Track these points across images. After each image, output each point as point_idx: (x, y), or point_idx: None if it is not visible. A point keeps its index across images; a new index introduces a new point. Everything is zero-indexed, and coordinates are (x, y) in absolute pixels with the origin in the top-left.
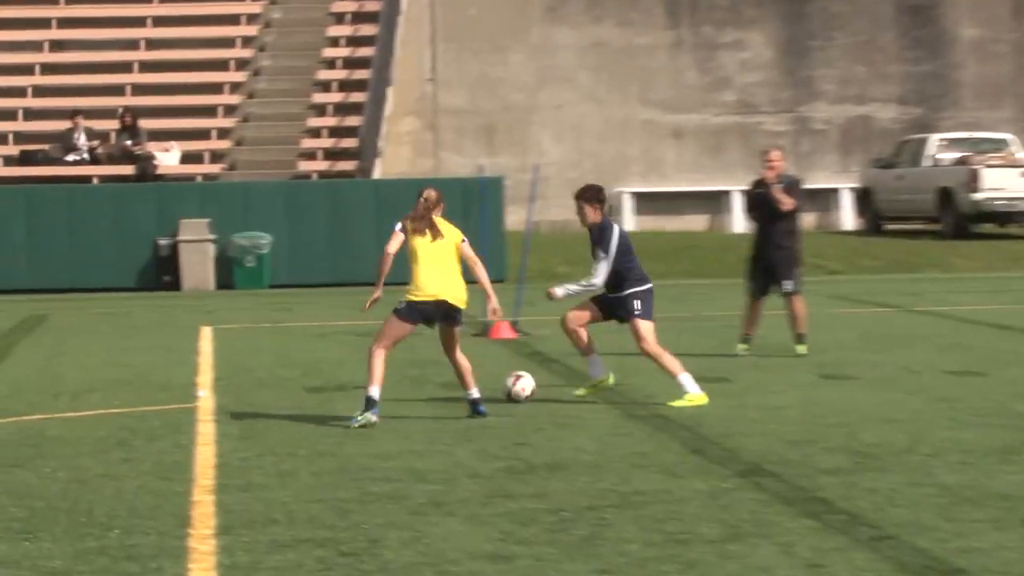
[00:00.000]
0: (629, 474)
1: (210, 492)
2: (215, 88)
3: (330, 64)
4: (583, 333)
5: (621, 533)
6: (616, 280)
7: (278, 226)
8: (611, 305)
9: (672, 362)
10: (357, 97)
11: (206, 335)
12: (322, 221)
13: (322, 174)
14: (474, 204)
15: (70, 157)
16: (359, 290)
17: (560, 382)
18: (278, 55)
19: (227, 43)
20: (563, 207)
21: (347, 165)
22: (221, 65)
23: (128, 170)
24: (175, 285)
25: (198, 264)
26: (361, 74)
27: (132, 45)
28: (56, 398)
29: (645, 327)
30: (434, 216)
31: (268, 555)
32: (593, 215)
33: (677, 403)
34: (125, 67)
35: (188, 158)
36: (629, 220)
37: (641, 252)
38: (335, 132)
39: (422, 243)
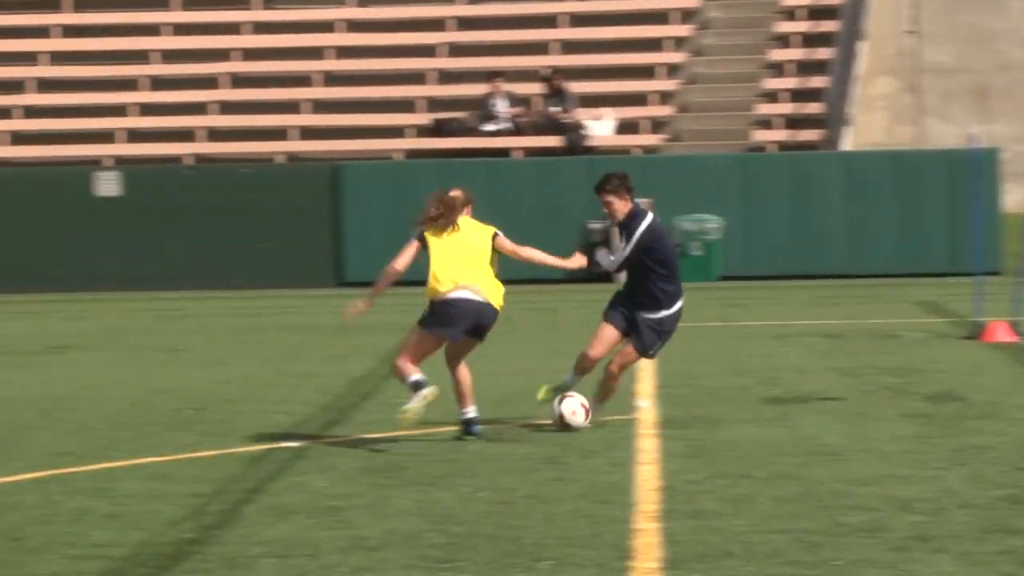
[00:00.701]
0: None
1: (654, 519)
2: (654, 44)
3: (790, 15)
4: (620, 380)
5: None
6: (650, 292)
7: (729, 208)
8: (631, 323)
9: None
10: (822, 54)
11: None
12: (781, 202)
13: (781, 145)
14: (963, 181)
15: (488, 127)
16: (825, 284)
17: None
18: (729, 4)
19: None
20: None
21: (811, 135)
22: (661, 17)
23: (554, 141)
24: (609, 276)
25: None
26: (827, 26)
27: None
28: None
29: (634, 358)
30: (463, 216)
31: None
32: (623, 208)
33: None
34: (550, 20)
35: (623, 127)
36: None
37: None
38: (797, 96)
39: (442, 243)
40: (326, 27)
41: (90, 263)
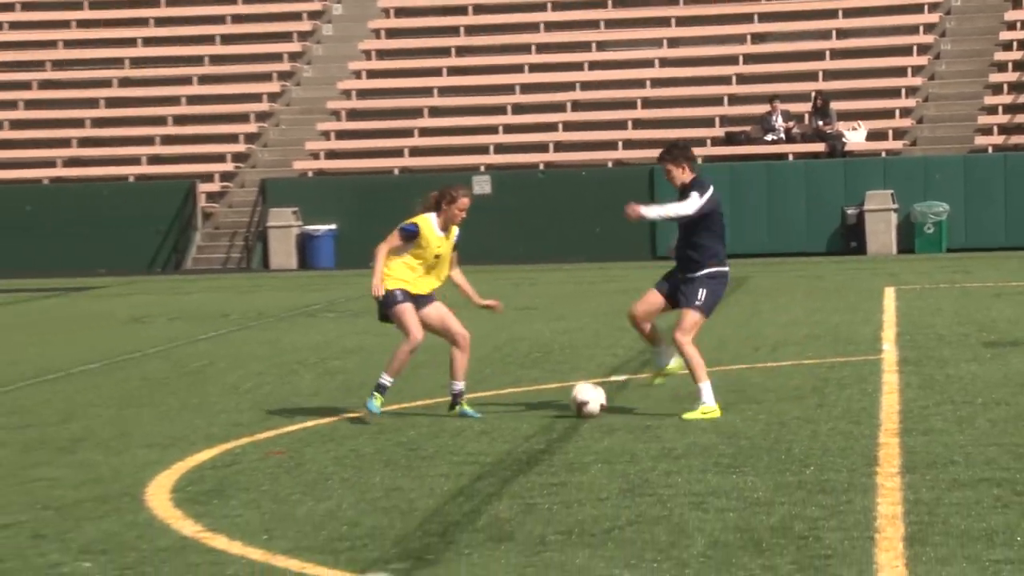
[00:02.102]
0: None
1: (895, 435)
2: (899, 72)
3: (1007, 46)
4: (647, 326)
5: None
6: (693, 253)
7: (955, 196)
8: (677, 289)
9: (699, 367)
10: None
11: (889, 295)
12: (996, 189)
13: (997, 148)
14: None
15: (768, 137)
16: None
17: None
18: (957, 39)
19: (910, 30)
20: None
21: (1021, 139)
22: (905, 51)
23: (819, 148)
24: (860, 250)
25: (882, 231)
26: None
27: (824, 35)
28: (756, 350)
29: (693, 320)
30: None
31: (948, 492)
32: (681, 175)
33: (689, 415)
34: (818, 55)
35: (873, 136)
36: None
37: None
38: (1010, 109)
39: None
40: (647, 63)
41: (467, 244)
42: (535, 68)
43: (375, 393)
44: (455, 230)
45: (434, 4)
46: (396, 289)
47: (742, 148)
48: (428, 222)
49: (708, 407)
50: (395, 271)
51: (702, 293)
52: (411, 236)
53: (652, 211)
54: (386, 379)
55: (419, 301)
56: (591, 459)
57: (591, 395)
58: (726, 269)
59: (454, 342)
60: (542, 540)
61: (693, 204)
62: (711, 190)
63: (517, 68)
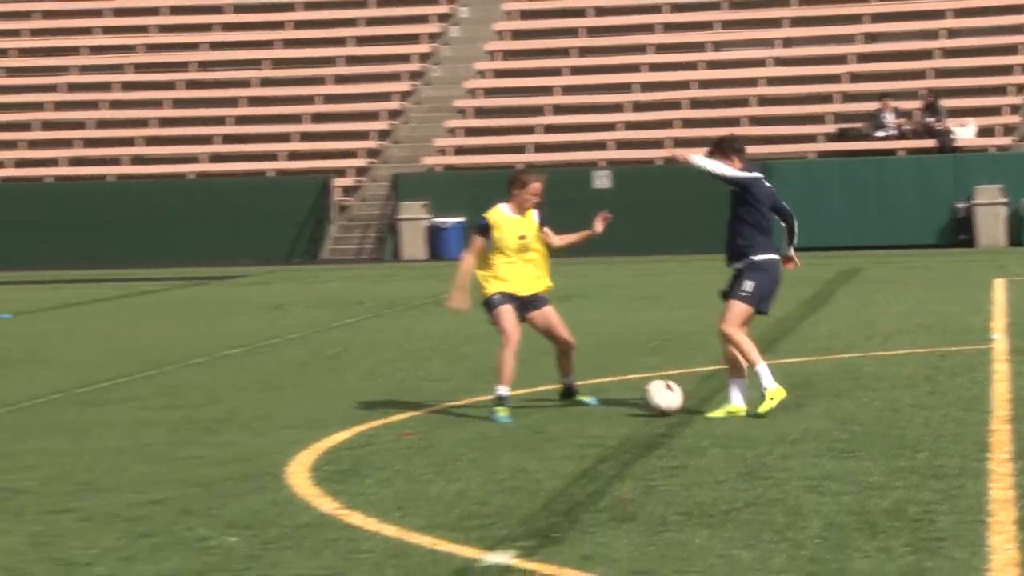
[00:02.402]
0: None
1: (1006, 422)
2: (1006, 70)
3: None
4: (733, 349)
5: None
6: (742, 239)
7: None
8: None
9: (751, 351)
10: None
11: (998, 286)
12: None
13: None
14: None
15: (879, 133)
16: None
17: None
18: None
19: (1018, 30)
20: None
21: None
22: (1011, 49)
23: (929, 144)
24: (969, 243)
25: (991, 224)
26: None
27: (933, 35)
28: (869, 339)
29: (739, 310)
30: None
31: None
32: (732, 166)
33: (764, 407)
34: (927, 54)
35: (982, 132)
36: None
37: None
38: None
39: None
40: (761, 63)
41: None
42: (654, 67)
43: (497, 408)
44: (532, 212)
45: (556, 7)
46: (495, 293)
47: (854, 144)
48: (498, 210)
49: (771, 390)
50: (493, 270)
51: (747, 285)
52: (484, 230)
53: (700, 161)
54: (502, 390)
55: (525, 305)
56: (708, 443)
57: (665, 400)
58: (773, 257)
59: (559, 347)
60: (663, 520)
61: (733, 171)
62: (756, 175)
63: (635, 68)
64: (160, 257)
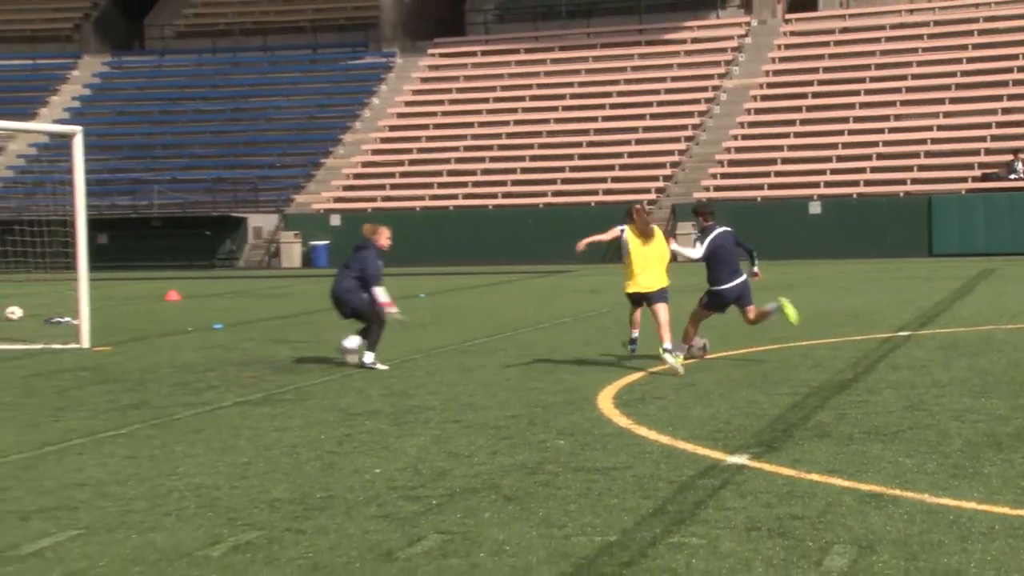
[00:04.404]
0: None
1: None
2: None
3: None
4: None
5: None
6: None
7: None
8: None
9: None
10: None
11: None
12: None
13: None
14: None
15: (1012, 176)
16: None
17: None
18: None
19: None
20: None
21: None
22: None
23: None
24: None
25: None
26: None
27: None
28: (1000, 316)
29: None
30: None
31: None
32: (703, 222)
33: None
34: None
35: None
36: None
37: None
38: None
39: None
40: (928, 128)
41: (805, 246)
42: (851, 132)
43: (673, 354)
44: (655, 228)
45: (795, 79)
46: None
47: (993, 183)
48: (627, 230)
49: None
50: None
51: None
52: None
53: (674, 247)
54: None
55: (650, 297)
56: (884, 386)
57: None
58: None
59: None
60: (850, 437)
61: (697, 250)
62: (717, 232)
63: (839, 132)
64: (521, 258)
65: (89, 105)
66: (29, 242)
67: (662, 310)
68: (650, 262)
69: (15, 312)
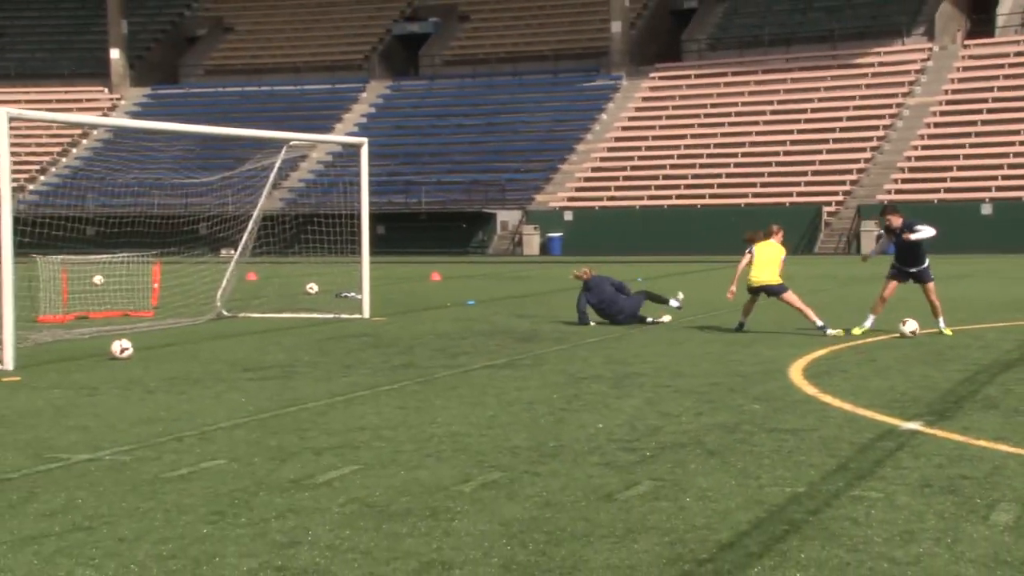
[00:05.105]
0: None
1: None
2: None
3: None
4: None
5: None
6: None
7: None
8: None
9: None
10: None
11: None
12: None
13: None
14: None
15: None
16: None
17: None
18: None
19: None
20: None
21: None
22: None
23: None
24: None
25: None
26: None
27: None
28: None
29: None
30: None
31: None
32: (896, 221)
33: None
34: None
35: None
36: None
37: None
38: None
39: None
40: (1009, 144)
41: (970, 239)
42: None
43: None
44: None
45: (972, 96)
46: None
47: None
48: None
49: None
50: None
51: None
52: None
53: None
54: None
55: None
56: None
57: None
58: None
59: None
60: (1016, 409)
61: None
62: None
63: (1015, 132)
64: (725, 250)
65: (373, 121)
66: (325, 232)
67: (792, 298)
68: (767, 262)
69: (313, 288)
